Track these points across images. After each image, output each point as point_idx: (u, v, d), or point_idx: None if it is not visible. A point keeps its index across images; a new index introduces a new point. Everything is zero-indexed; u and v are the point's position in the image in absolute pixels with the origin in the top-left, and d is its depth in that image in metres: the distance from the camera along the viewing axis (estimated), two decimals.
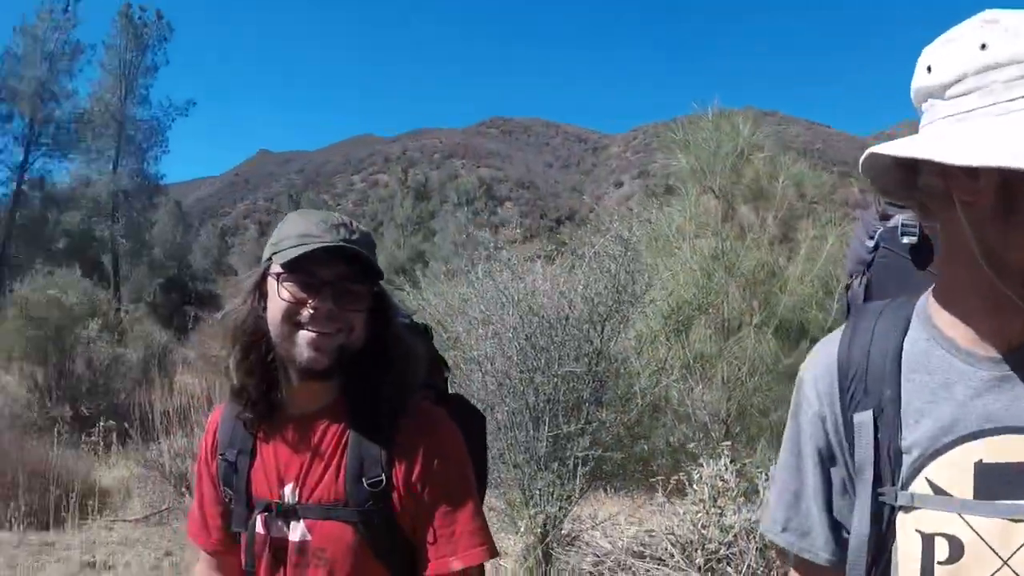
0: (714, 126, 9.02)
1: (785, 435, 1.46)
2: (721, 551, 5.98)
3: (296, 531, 1.84)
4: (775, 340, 8.28)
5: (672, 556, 6.20)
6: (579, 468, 6.06)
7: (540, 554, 5.95)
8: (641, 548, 6.61)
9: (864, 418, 1.35)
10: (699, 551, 6.08)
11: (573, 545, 6.54)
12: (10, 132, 46.71)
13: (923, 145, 1.22)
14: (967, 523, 1.23)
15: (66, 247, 44.15)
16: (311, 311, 1.76)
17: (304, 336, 1.76)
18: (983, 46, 1.15)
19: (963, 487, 1.24)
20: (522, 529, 5.99)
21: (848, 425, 1.37)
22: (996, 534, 1.21)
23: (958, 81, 1.18)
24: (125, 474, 10.61)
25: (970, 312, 1.28)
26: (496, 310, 6.33)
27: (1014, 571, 1.19)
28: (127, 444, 11.26)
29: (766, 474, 6.14)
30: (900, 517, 1.30)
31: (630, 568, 6.16)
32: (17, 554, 7.37)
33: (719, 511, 6.10)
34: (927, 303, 1.37)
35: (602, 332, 6.23)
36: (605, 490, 8.50)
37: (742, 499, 6.15)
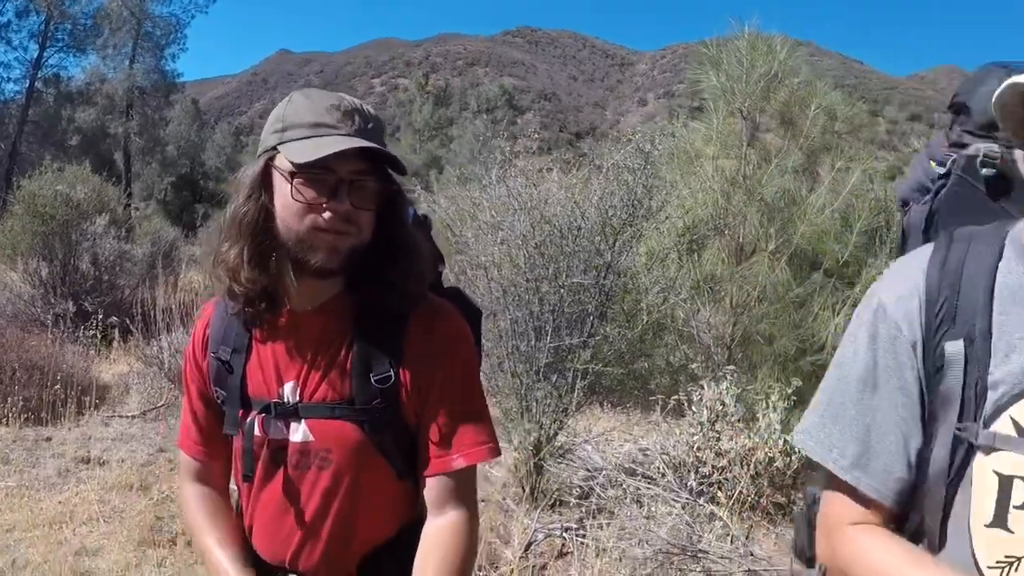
0: (749, 45, 8.74)
1: (851, 363, 1.36)
2: (714, 476, 5.96)
3: (297, 432, 1.75)
4: (788, 268, 8.14)
5: (664, 476, 6.17)
6: (578, 381, 5.97)
7: (532, 465, 5.91)
8: (633, 466, 6.61)
9: (956, 348, 1.25)
10: (692, 473, 6.06)
11: (565, 458, 6.54)
12: (26, 28, 46.37)
13: None
14: None
15: (79, 144, 44.21)
16: (329, 213, 1.60)
17: (321, 239, 1.61)
18: None
19: None
20: (516, 442, 5.94)
21: (932, 353, 1.28)
22: None
23: None
24: (125, 370, 10.60)
25: None
26: (507, 216, 6.20)
27: None
28: (128, 340, 11.23)
29: (767, 402, 6.09)
30: (978, 456, 1.22)
31: (621, 484, 6.14)
32: (13, 449, 7.33)
33: (716, 435, 6.06)
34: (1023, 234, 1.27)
35: (613, 245, 6.11)
36: (601, 405, 8.50)
37: (740, 425, 6.10)
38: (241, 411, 1.80)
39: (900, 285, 1.33)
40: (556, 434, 6.07)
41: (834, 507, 1.37)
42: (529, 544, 5.22)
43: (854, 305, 7.54)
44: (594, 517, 5.64)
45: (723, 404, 6.19)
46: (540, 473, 6.01)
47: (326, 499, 1.75)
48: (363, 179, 1.63)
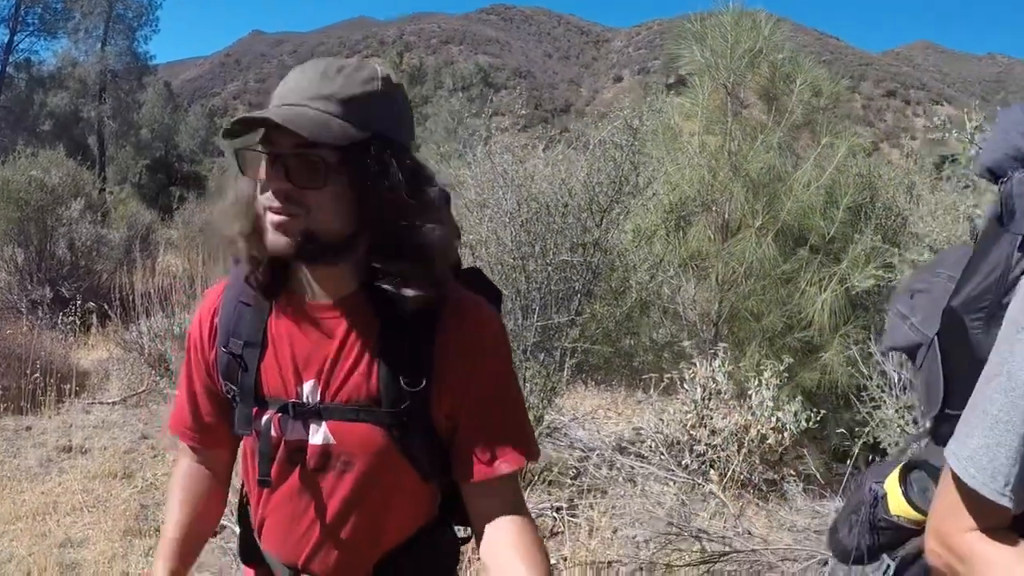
0: (734, 20, 8.67)
1: (1019, 373, 1.18)
2: (708, 453, 5.93)
3: (317, 434, 1.60)
4: (775, 244, 8.10)
5: (658, 455, 6.14)
6: (566, 360, 5.91)
7: None
8: (625, 444, 6.57)
9: None
10: (687, 452, 6.02)
11: (552, 437, 6.48)
12: None
13: None
14: None
15: (52, 129, 43.57)
16: (268, 191, 1.46)
17: (269, 220, 1.46)
18: None
19: None
20: None
21: None
22: None
23: None
24: (104, 356, 10.43)
25: None
26: (493, 193, 6.11)
27: None
28: (107, 326, 11.08)
29: (758, 379, 6.05)
30: None
31: (615, 464, 6.09)
32: None
33: (710, 413, 6.03)
34: None
35: (601, 223, 6.04)
36: (586, 384, 8.44)
37: (733, 403, 6.07)
38: (256, 409, 1.66)
39: None
40: (545, 413, 6.02)
41: (960, 517, 1.25)
42: None
43: (841, 281, 7.56)
44: (585, 496, 5.59)
45: (715, 382, 6.16)
46: None
47: (347, 503, 1.63)
48: (306, 152, 1.44)
